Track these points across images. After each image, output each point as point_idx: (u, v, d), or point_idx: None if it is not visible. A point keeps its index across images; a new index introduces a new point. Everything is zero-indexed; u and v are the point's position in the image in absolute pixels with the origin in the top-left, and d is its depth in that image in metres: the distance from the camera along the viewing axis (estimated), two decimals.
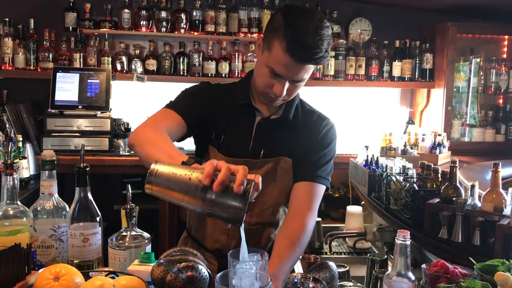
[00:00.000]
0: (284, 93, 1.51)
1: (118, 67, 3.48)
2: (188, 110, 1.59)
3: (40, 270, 1.11)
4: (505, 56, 3.78)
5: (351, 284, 1.43)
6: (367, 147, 2.63)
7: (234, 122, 1.64)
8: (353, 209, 2.69)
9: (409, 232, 1.11)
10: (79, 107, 3.27)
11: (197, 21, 3.52)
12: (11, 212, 1.32)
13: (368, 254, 1.84)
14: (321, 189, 1.64)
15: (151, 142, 1.39)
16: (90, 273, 1.18)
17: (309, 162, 1.64)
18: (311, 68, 1.49)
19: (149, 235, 1.42)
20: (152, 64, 3.49)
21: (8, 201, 1.33)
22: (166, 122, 1.54)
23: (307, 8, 1.53)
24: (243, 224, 1.11)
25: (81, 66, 3.41)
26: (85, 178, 1.36)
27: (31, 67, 3.39)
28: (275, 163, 1.62)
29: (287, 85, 1.50)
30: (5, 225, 1.31)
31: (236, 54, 3.53)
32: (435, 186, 1.90)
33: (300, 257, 1.63)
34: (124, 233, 1.38)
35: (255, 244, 1.57)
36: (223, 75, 3.51)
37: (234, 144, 1.62)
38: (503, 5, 3.44)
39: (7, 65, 3.35)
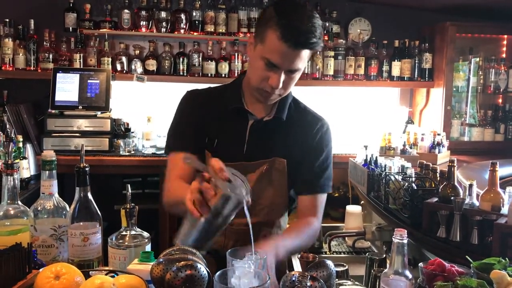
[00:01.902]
0: (280, 85, 1.50)
1: (118, 67, 3.49)
2: (188, 143, 1.63)
3: (41, 269, 1.12)
4: (504, 55, 3.79)
5: (350, 282, 1.44)
6: (366, 147, 2.63)
7: (226, 127, 1.64)
8: (353, 209, 2.69)
9: (406, 231, 1.12)
10: (79, 107, 3.28)
11: (196, 22, 3.53)
12: (11, 212, 1.33)
13: (367, 253, 1.85)
14: (324, 197, 1.69)
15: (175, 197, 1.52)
16: (90, 272, 1.19)
17: (309, 172, 1.67)
18: (305, 56, 1.49)
19: (148, 235, 1.43)
20: (152, 64, 3.50)
21: (8, 201, 1.34)
22: (181, 170, 1.60)
23: (298, 1, 1.56)
24: (246, 205, 1.18)
25: (81, 67, 3.41)
26: (85, 178, 1.37)
27: (31, 68, 3.39)
28: (269, 164, 1.63)
29: (283, 76, 1.50)
30: (6, 224, 1.32)
31: (236, 54, 3.54)
32: (433, 186, 1.90)
33: (299, 255, 1.65)
34: (124, 233, 1.39)
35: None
36: (223, 75, 3.52)
37: (228, 149, 1.62)
38: (502, 5, 3.44)
39: (8, 65, 3.36)
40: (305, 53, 1.48)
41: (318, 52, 3.58)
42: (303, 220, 1.64)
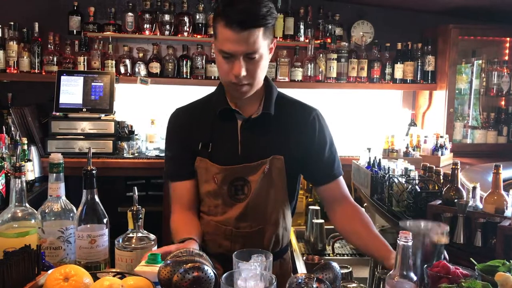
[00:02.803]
0: (243, 72, 1.49)
1: (122, 70, 3.51)
2: (185, 169, 1.67)
3: (50, 271, 1.13)
4: (507, 58, 3.79)
5: (355, 285, 1.45)
6: (369, 149, 2.64)
7: (218, 130, 1.65)
8: None
9: (410, 233, 1.13)
10: (83, 110, 3.29)
11: (200, 24, 3.55)
12: (19, 214, 1.34)
13: None
14: (342, 179, 1.73)
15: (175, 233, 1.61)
16: (97, 274, 1.20)
17: (322, 165, 1.69)
18: (257, 37, 1.47)
19: (154, 237, 1.44)
20: (155, 67, 3.52)
21: (16, 203, 1.35)
22: (185, 200, 1.68)
23: None
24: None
25: (85, 69, 3.43)
26: (92, 181, 1.38)
27: (36, 71, 3.41)
28: (269, 163, 1.63)
29: (243, 63, 1.49)
30: (14, 227, 1.33)
31: None
32: (437, 188, 1.92)
33: (304, 257, 1.65)
34: (131, 235, 1.40)
35: (257, 246, 1.59)
36: None
37: (224, 152, 1.63)
38: (505, 8, 3.45)
39: (12, 68, 3.38)
40: (256, 33, 1.46)
41: (321, 55, 3.60)
42: (354, 209, 1.67)
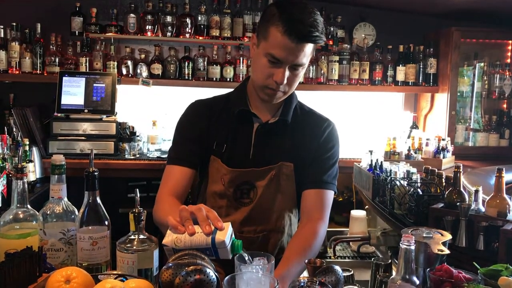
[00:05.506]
0: (285, 81, 1.51)
1: (124, 71, 3.51)
2: (188, 156, 1.64)
3: (51, 273, 1.13)
4: (508, 61, 3.79)
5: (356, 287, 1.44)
6: (371, 152, 2.64)
7: (233, 131, 1.65)
8: (357, 214, 2.70)
9: (413, 237, 1.13)
10: (85, 111, 3.29)
11: (202, 26, 3.55)
12: (21, 216, 1.34)
13: (373, 258, 1.85)
14: (329, 195, 1.66)
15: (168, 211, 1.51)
16: (99, 276, 1.19)
17: (314, 167, 1.66)
18: (308, 51, 1.49)
19: (156, 239, 1.43)
20: (157, 68, 3.51)
21: (18, 205, 1.35)
22: (175, 184, 1.62)
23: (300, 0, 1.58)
24: None
25: (87, 70, 3.43)
26: (94, 183, 1.38)
27: (38, 71, 3.41)
28: (277, 169, 1.63)
29: (287, 72, 1.51)
30: (15, 228, 1.33)
31: (241, 58, 3.55)
32: (439, 191, 1.91)
33: (306, 261, 1.65)
34: (132, 237, 1.39)
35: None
36: (228, 79, 3.51)
37: (236, 154, 1.63)
38: (507, 10, 3.45)
39: (14, 69, 3.38)
40: (308, 48, 1.49)
41: (323, 57, 3.60)
42: (308, 228, 1.59)
